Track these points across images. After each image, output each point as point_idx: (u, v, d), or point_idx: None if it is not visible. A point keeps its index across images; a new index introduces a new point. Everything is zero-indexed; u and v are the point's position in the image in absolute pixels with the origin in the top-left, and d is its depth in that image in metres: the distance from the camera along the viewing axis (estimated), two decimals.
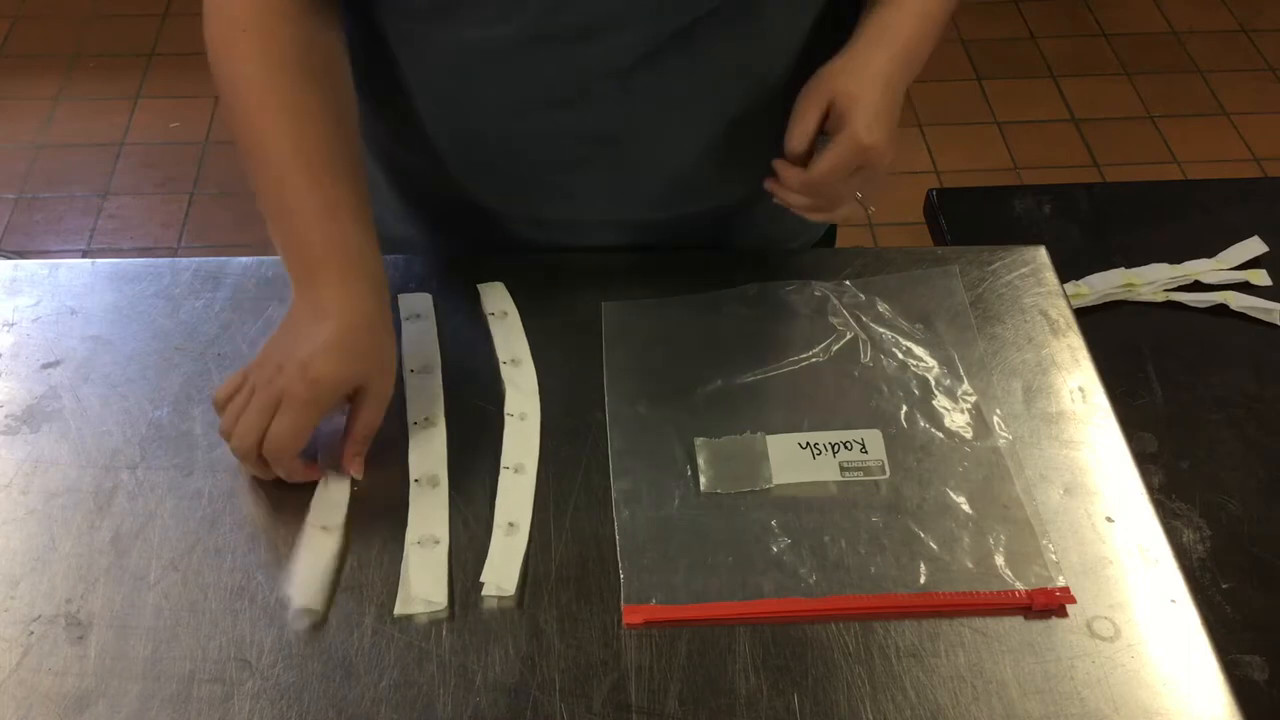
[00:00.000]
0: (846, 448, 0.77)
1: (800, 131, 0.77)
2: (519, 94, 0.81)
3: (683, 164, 0.87)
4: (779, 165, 0.79)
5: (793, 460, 0.76)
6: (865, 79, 0.76)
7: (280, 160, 0.74)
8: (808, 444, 0.77)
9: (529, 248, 0.93)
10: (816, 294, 0.87)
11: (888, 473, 0.76)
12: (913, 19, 0.79)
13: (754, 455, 0.77)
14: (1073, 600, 0.69)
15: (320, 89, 0.76)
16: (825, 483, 0.75)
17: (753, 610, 0.68)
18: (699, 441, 0.77)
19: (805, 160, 0.78)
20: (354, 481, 0.75)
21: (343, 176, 0.75)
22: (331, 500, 0.74)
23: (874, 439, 0.78)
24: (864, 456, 0.77)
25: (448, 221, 0.96)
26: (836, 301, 0.87)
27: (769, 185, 0.80)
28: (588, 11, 0.74)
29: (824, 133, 0.77)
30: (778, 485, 0.75)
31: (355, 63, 0.82)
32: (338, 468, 0.74)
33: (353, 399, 0.73)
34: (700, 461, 0.76)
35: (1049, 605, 0.69)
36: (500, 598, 0.69)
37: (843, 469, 0.76)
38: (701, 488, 0.75)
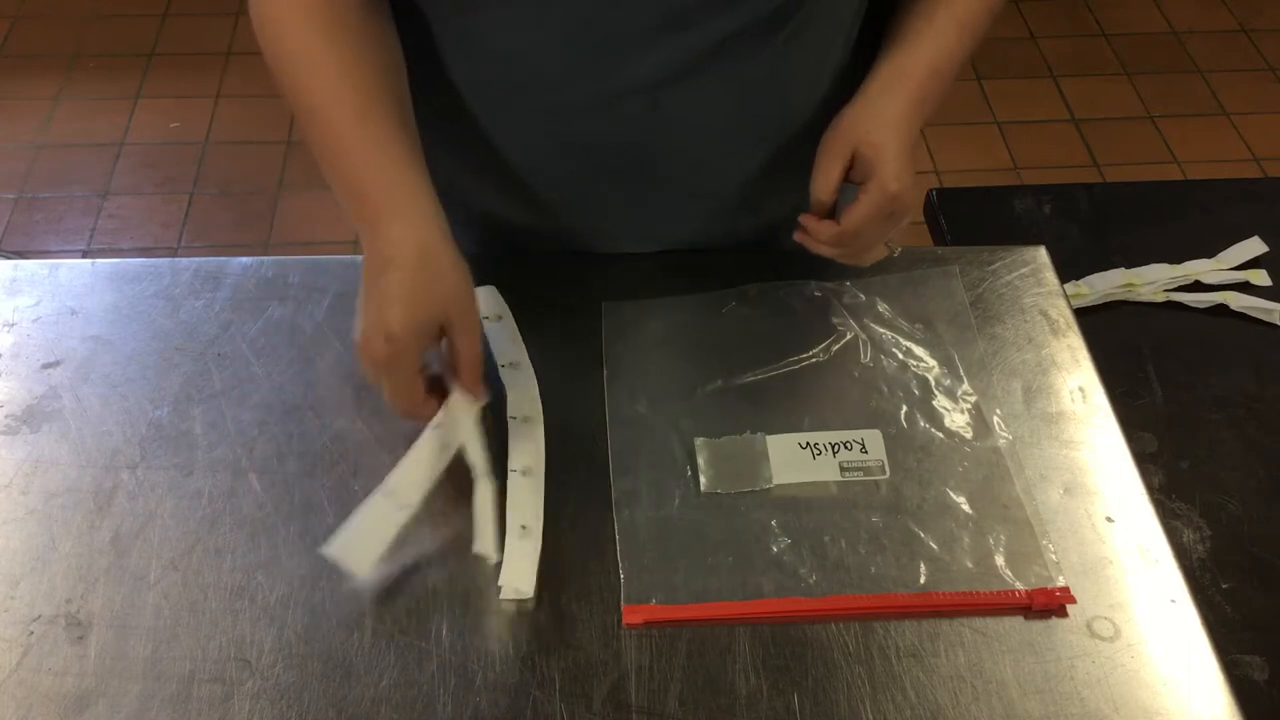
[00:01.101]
0: (846, 448, 0.77)
1: (825, 182, 0.76)
2: (549, 102, 0.80)
3: (717, 182, 0.87)
4: (806, 220, 0.78)
5: (793, 460, 0.76)
6: (887, 126, 0.75)
7: (325, 109, 0.73)
8: (808, 444, 0.77)
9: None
10: (816, 294, 0.87)
11: (888, 473, 0.76)
12: (927, 62, 0.78)
13: (754, 455, 0.77)
14: (1073, 600, 0.69)
15: (364, 40, 0.75)
16: (825, 483, 0.75)
17: (753, 610, 0.68)
18: (699, 441, 0.77)
19: (829, 208, 0.78)
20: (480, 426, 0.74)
21: (389, 119, 0.74)
22: (474, 453, 0.73)
23: (874, 439, 0.78)
24: (864, 456, 0.77)
25: (479, 227, 0.95)
26: (836, 301, 0.87)
27: (798, 237, 0.80)
28: (615, 24, 0.73)
29: (847, 180, 0.77)
30: (778, 485, 0.75)
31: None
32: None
33: (444, 334, 0.72)
34: (700, 461, 0.76)
35: (1049, 605, 0.69)
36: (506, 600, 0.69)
37: (843, 469, 0.76)
38: (701, 488, 0.75)
